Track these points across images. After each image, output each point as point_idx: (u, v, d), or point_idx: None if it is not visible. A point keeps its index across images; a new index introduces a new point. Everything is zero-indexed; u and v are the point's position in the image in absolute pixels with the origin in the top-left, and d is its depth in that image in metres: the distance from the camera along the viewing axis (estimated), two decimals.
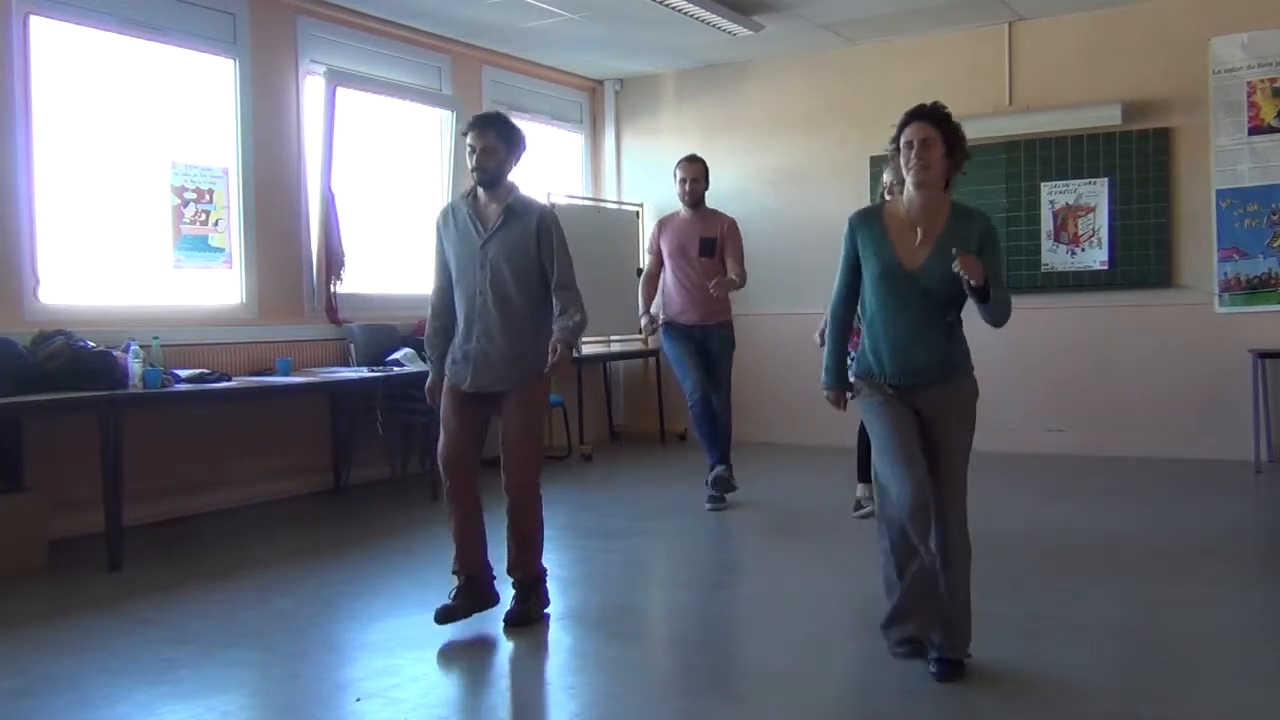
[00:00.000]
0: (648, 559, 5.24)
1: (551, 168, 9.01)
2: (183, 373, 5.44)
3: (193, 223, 6.19)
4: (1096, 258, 7.57)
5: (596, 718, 3.10)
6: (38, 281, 5.46)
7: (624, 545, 5.33)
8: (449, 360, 3.92)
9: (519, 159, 3.90)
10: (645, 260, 6.47)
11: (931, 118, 3.17)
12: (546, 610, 3.98)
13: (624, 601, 4.40)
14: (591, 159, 9.42)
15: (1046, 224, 7.73)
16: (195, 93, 6.28)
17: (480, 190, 3.88)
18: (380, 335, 6.79)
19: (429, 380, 4.03)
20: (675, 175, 6.23)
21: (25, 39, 5.41)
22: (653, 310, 6.30)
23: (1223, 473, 6.74)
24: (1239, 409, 6.98)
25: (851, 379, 3.37)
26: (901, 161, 3.18)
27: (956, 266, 3.07)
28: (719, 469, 5.96)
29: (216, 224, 6.32)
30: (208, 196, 6.26)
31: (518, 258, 3.83)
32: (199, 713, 3.09)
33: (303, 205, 6.83)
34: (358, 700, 3.20)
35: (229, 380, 5.67)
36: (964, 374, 3.38)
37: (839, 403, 3.41)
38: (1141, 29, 7.44)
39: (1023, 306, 7.73)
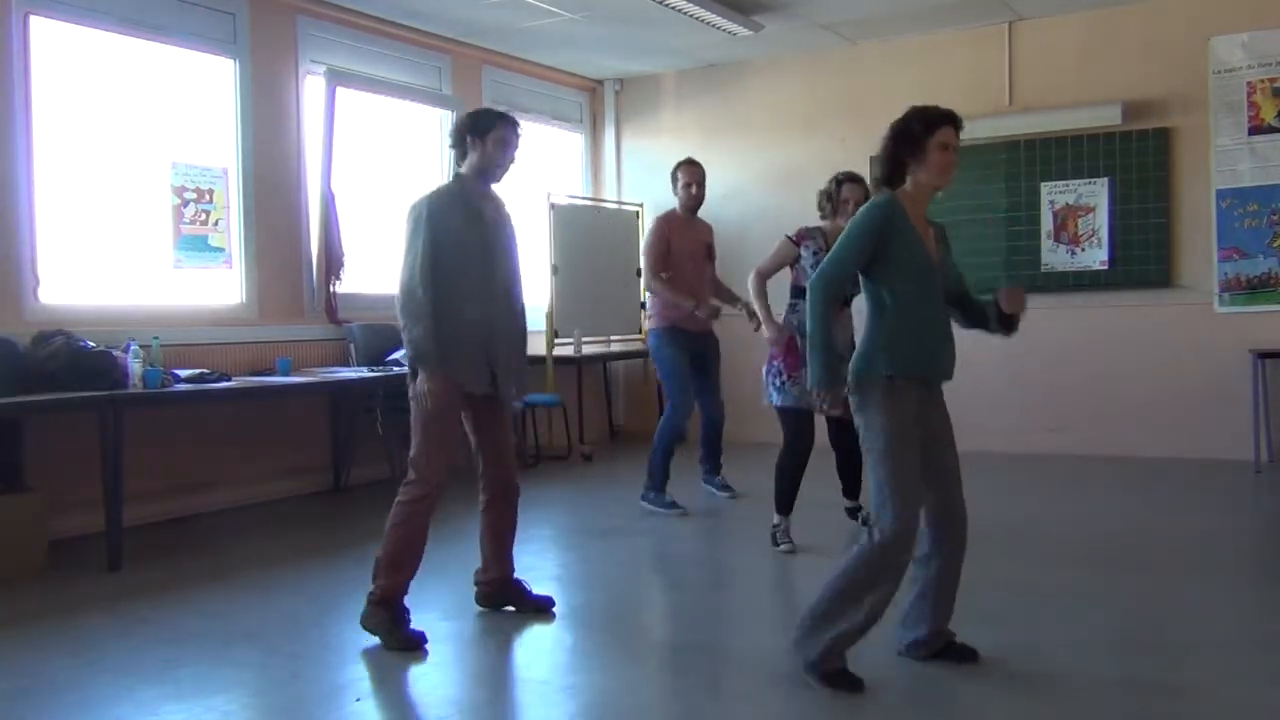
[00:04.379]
0: (648, 559, 5.23)
1: (551, 168, 9.01)
2: (183, 373, 5.44)
3: (193, 223, 6.19)
4: (1096, 258, 7.57)
5: (596, 718, 3.10)
6: (38, 281, 5.46)
7: (624, 545, 5.33)
8: (447, 360, 3.69)
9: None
10: (645, 261, 6.06)
11: (959, 123, 3.19)
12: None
13: (624, 601, 4.40)
14: (591, 159, 9.43)
15: (1046, 224, 7.73)
16: (195, 93, 6.28)
17: (480, 184, 3.82)
18: (380, 335, 6.79)
19: (435, 382, 3.65)
20: (677, 178, 6.07)
21: (25, 39, 5.42)
22: (687, 305, 5.77)
23: (1223, 473, 6.74)
24: (1239, 409, 6.98)
25: (862, 381, 3.10)
26: (936, 162, 3.13)
27: (1005, 304, 3.25)
28: (724, 480, 6.07)
29: (216, 224, 6.32)
30: (208, 196, 6.26)
31: (514, 253, 3.89)
32: (199, 713, 3.09)
33: (303, 205, 6.83)
34: (358, 700, 3.20)
35: (229, 380, 5.66)
36: None
37: (839, 403, 3.16)
38: (1141, 29, 7.44)
39: None
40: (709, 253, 6.09)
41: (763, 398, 4.95)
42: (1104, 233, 7.54)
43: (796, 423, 4.84)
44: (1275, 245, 7.09)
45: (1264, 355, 6.84)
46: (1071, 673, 3.26)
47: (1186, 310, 7.33)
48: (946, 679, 3.22)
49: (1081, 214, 7.63)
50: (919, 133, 3.13)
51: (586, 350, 8.38)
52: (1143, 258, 7.44)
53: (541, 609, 3.99)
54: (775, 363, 4.86)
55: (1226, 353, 7.11)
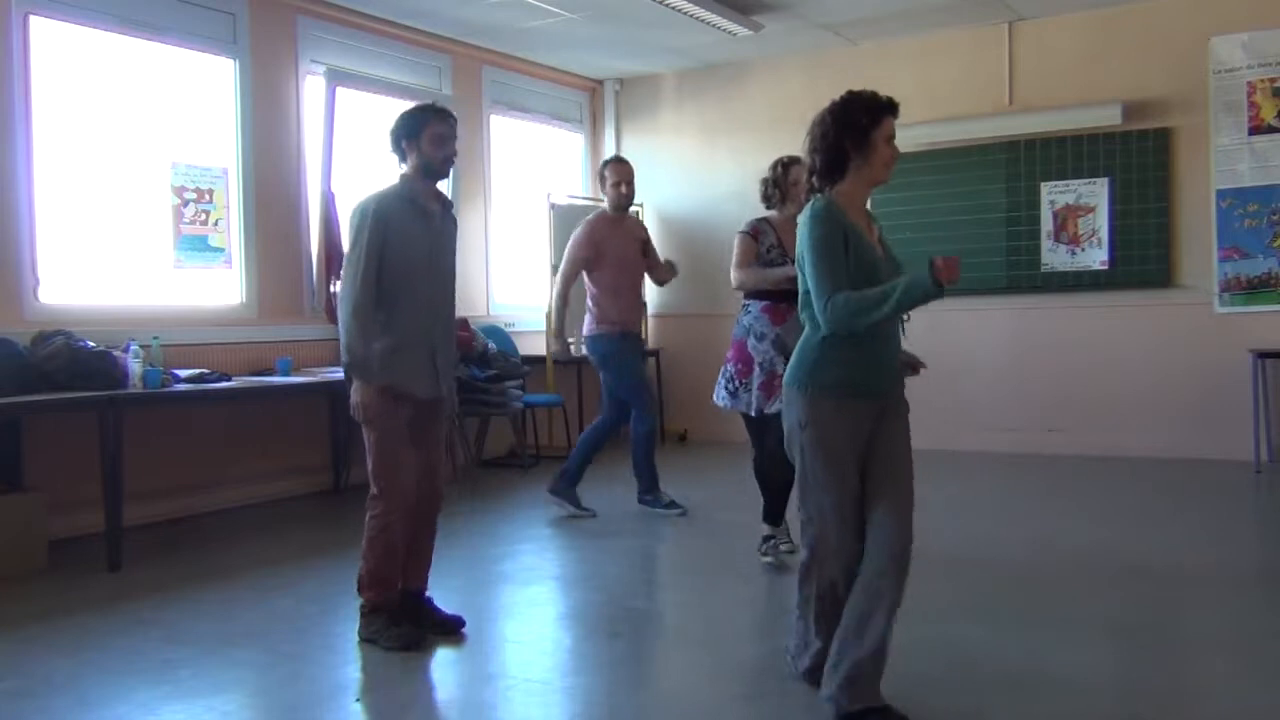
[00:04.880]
0: (647, 559, 5.23)
1: (551, 168, 9.01)
2: (183, 373, 5.44)
3: (193, 223, 6.19)
4: (1096, 258, 7.57)
5: (596, 717, 3.10)
6: (38, 281, 5.46)
7: (624, 545, 5.32)
8: (394, 367, 3.59)
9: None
10: (563, 266, 5.86)
11: (898, 113, 2.91)
12: None
13: (624, 601, 4.40)
14: (591, 159, 9.42)
15: (1046, 224, 7.73)
16: (195, 93, 6.28)
17: (427, 183, 3.72)
18: None
19: (366, 393, 3.53)
20: (605, 177, 5.88)
21: (25, 39, 5.42)
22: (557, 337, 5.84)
23: (1223, 473, 6.74)
24: (1239, 409, 6.98)
25: (802, 404, 2.86)
26: (883, 156, 2.86)
27: (945, 278, 2.73)
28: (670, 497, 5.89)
29: (216, 224, 6.32)
30: (208, 196, 6.26)
31: (452, 255, 3.83)
32: (199, 713, 3.09)
33: (303, 205, 6.83)
34: (357, 700, 3.20)
35: (229, 380, 5.67)
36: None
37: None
38: (1141, 29, 7.44)
39: (1023, 306, 7.86)
40: (644, 250, 5.91)
41: (714, 396, 4.85)
42: (1104, 233, 7.54)
43: (758, 427, 4.70)
44: (1275, 245, 7.09)
45: (1264, 355, 6.84)
46: (1071, 672, 3.26)
47: (1186, 310, 7.33)
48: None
49: (1081, 214, 7.63)
50: (865, 124, 2.85)
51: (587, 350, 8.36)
52: (1143, 258, 7.44)
53: (450, 629, 3.76)
54: (730, 365, 4.73)
55: (1226, 353, 7.11)
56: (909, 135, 8.08)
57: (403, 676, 3.43)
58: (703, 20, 7.25)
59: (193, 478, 6.07)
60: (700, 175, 8.93)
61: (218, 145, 6.37)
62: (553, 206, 8.27)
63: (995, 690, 3.15)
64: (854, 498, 2.86)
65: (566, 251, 5.88)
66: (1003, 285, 7.85)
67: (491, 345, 7.41)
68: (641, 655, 3.74)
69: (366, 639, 3.63)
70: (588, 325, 5.87)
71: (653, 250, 6.00)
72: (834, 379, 2.84)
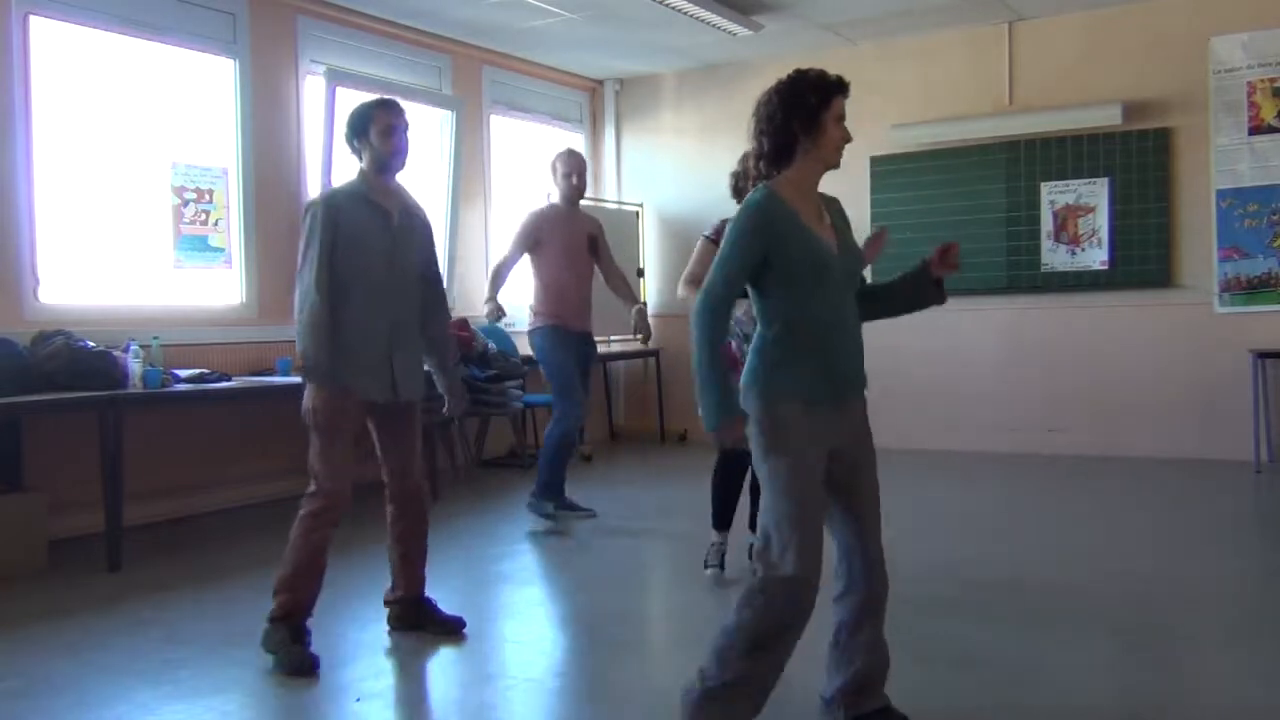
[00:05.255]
0: (647, 559, 5.23)
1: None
2: (183, 373, 5.45)
3: (193, 223, 6.20)
4: (1096, 258, 7.57)
5: (596, 717, 3.10)
6: (38, 281, 5.46)
7: (624, 545, 5.32)
8: (346, 368, 3.50)
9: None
10: (508, 247, 5.75)
11: (848, 92, 2.71)
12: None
13: (624, 602, 4.40)
14: (591, 159, 9.41)
15: (1046, 224, 7.73)
16: (195, 93, 6.28)
17: (382, 179, 3.64)
18: None
19: (317, 396, 3.47)
20: (556, 169, 5.76)
21: (25, 39, 5.41)
22: (485, 301, 5.63)
23: (1223, 473, 6.74)
24: (1239, 409, 6.98)
25: (760, 409, 2.62)
26: (833, 138, 2.65)
27: (940, 265, 2.70)
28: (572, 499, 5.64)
29: (216, 224, 6.32)
30: (208, 196, 6.26)
31: (422, 253, 3.74)
32: (199, 713, 3.09)
33: (303, 205, 6.82)
34: (358, 700, 3.20)
35: (229, 380, 5.67)
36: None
37: (741, 436, 2.64)
38: (1141, 29, 7.44)
39: (1023, 306, 7.86)
40: (593, 246, 5.78)
41: None
42: (1104, 233, 7.54)
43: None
44: (1275, 245, 7.09)
45: (1264, 355, 6.84)
46: (1071, 674, 3.26)
47: (1186, 310, 7.33)
48: None
49: (1081, 214, 7.63)
50: (814, 104, 2.63)
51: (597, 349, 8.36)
52: (1143, 258, 7.44)
53: (451, 630, 3.74)
54: None
55: (1226, 353, 7.11)
56: (909, 135, 8.12)
57: (403, 676, 3.43)
58: (703, 20, 7.25)
59: (193, 478, 6.07)
60: (700, 175, 8.92)
61: (218, 145, 6.37)
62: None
63: (995, 690, 3.15)
64: (820, 506, 2.63)
65: (512, 240, 5.75)
66: (1003, 285, 7.86)
67: (491, 345, 7.41)
68: (642, 655, 3.74)
69: (267, 651, 3.46)
70: (528, 316, 5.75)
71: (605, 249, 5.83)
72: (791, 381, 2.61)
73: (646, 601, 4.63)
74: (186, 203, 6.16)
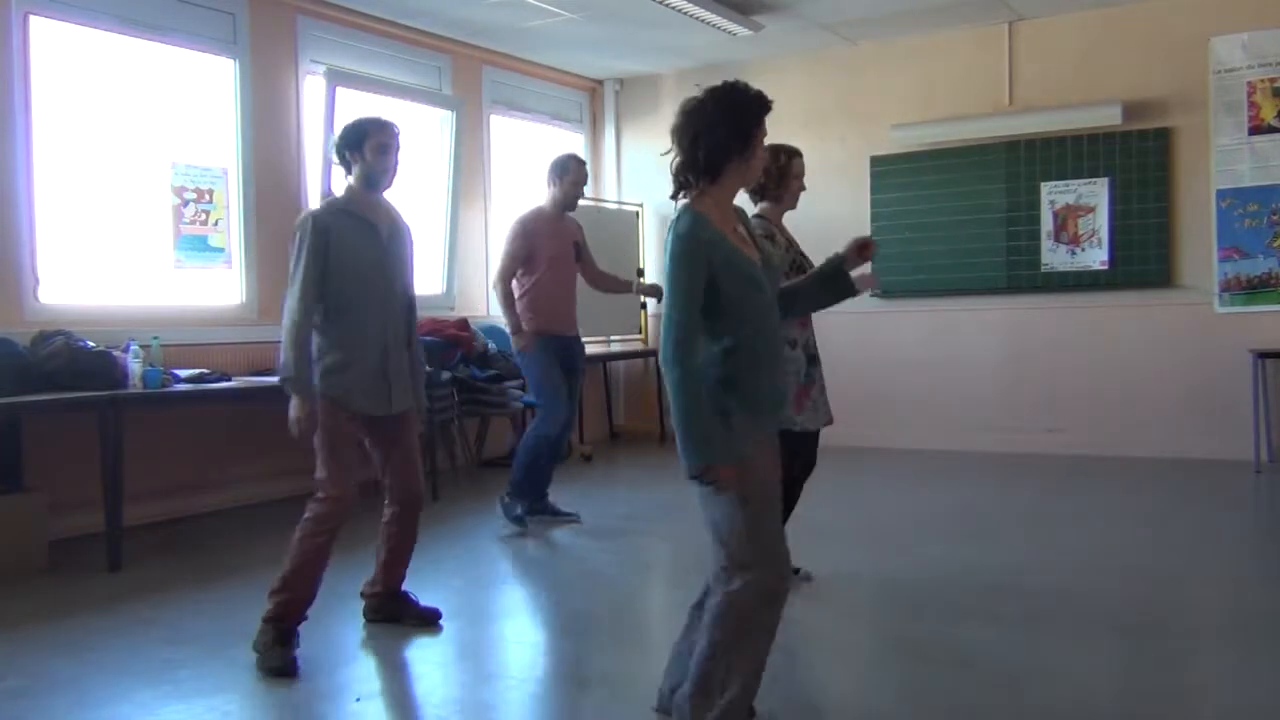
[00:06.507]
0: (647, 559, 5.23)
1: None
2: (183, 373, 5.44)
3: (193, 223, 6.20)
4: (1096, 258, 7.57)
5: (596, 717, 3.10)
6: (38, 281, 5.46)
7: (624, 545, 5.33)
8: (341, 384, 3.57)
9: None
10: (501, 262, 5.59)
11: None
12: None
13: (624, 602, 4.40)
14: (591, 159, 9.42)
15: (1046, 224, 7.73)
16: (195, 93, 6.28)
17: (370, 194, 3.68)
18: None
19: (303, 408, 3.51)
20: (563, 175, 5.58)
21: (25, 39, 5.41)
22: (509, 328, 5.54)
23: (1223, 473, 6.74)
24: (1239, 409, 6.98)
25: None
26: (761, 158, 2.64)
27: (856, 256, 2.73)
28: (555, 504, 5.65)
29: (216, 224, 6.32)
30: (208, 196, 6.26)
31: (410, 265, 3.83)
32: (199, 713, 3.09)
33: (303, 205, 6.82)
34: (357, 700, 3.20)
35: (229, 380, 5.66)
36: None
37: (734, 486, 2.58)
38: (1141, 29, 7.44)
39: (1023, 306, 7.85)
40: (577, 252, 5.67)
41: None
42: (1104, 233, 7.54)
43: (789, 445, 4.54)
44: (1275, 245, 7.09)
45: (1264, 355, 6.84)
46: (1071, 674, 3.26)
47: (1186, 310, 7.33)
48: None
49: (1081, 214, 7.63)
50: (753, 119, 2.59)
51: (586, 350, 8.36)
52: (1143, 258, 7.44)
53: (428, 621, 3.83)
54: None
55: (1226, 353, 7.11)
56: (909, 135, 8.12)
57: (403, 676, 3.43)
58: (703, 20, 7.25)
59: (193, 478, 6.07)
60: None
61: (218, 145, 6.37)
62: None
63: (995, 690, 3.15)
64: (777, 515, 2.64)
65: (505, 251, 5.59)
66: (1003, 285, 7.86)
67: (491, 345, 7.41)
68: (642, 655, 3.73)
69: (254, 649, 3.49)
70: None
71: (587, 253, 5.77)
72: (747, 394, 2.59)
73: (647, 601, 4.63)
74: (186, 203, 6.16)
